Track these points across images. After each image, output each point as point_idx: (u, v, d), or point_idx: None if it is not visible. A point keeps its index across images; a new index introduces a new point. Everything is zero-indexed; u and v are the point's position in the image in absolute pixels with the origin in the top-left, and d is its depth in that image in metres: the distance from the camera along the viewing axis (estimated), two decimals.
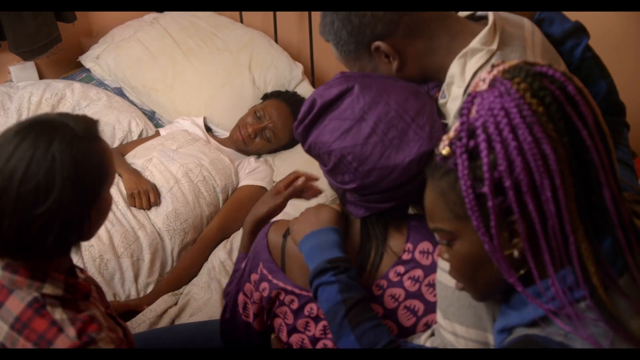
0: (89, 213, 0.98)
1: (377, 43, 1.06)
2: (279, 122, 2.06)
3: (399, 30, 1.05)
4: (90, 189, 0.96)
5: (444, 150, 0.83)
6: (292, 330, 1.15)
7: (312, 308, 1.12)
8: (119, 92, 2.41)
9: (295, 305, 1.13)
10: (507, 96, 0.77)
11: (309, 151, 1.09)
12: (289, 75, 2.32)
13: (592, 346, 0.77)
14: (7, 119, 2.01)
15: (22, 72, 2.41)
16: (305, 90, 2.30)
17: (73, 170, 0.92)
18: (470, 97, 0.81)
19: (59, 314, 0.96)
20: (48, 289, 0.98)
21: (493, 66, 0.83)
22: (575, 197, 0.77)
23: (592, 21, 1.27)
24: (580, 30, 1.22)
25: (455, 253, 0.86)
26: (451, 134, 0.83)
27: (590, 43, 1.23)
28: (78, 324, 0.96)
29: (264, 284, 1.15)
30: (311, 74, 2.41)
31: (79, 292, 1.03)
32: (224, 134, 2.25)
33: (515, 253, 0.81)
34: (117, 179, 1.85)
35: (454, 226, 0.84)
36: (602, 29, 1.37)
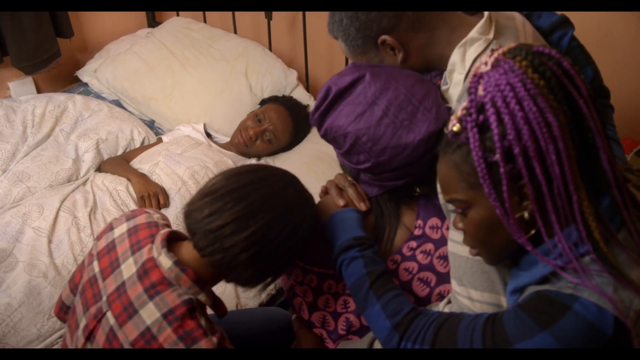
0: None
1: (383, 37, 1.14)
2: (278, 124, 2.13)
3: (402, 25, 1.14)
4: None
5: (455, 127, 0.91)
6: (313, 307, 1.22)
7: (330, 285, 1.19)
8: (117, 105, 2.45)
9: (314, 284, 1.20)
10: (511, 73, 0.85)
11: (324, 136, 1.16)
12: (284, 81, 2.39)
13: (599, 296, 0.85)
14: (13, 131, 2.06)
15: (21, 87, 2.46)
16: (300, 95, 2.38)
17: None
18: (476, 78, 0.90)
19: (203, 322, 1.03)
20: (202, 297, 1.06)
21: (493, 50, 0.92)
22: (576, 160, 0.86)
23: (577, 15, 1.36)
24: (566, 22, 1.32)
25: (470, 220, 0.94)
26: (459, 113, 0.91)
27: (576, 35, 1.34)
28: (218, 335, 1.03)
29: None
30: (305, 80, 2.50)
31: (219, 309, 1.12)
32: (224, 139, 2.31)
33: (526, 215, 0.88)
34: (126, 182, 1.91)
35: (468, 195, 0.92)
36: (586, 23, 1.47)
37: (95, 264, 1.13)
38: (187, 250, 1.08)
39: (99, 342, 1.06)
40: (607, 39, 1.74)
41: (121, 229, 1.15)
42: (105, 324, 1.05)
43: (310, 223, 1.09)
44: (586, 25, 1.41)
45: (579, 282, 0.87)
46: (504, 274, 1.03)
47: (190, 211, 1.07)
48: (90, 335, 1.08)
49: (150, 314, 1.01)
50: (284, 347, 1.40)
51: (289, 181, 1.10)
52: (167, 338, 0.99)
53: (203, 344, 1.00)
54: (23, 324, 1.54)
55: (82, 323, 1.10)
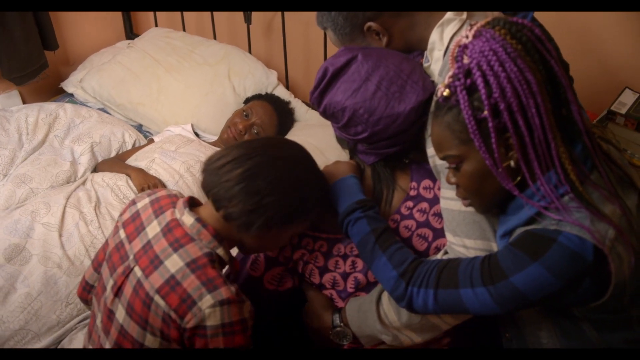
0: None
1: (369, 24, 1.26)
2: (265, 117, 2.23)
3: (385, 12, 1.27)
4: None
5: (445, 92, 1.03)
6: (324, 270, 1.33)
7: (339, 248, 1.31)
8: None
9: (324, 249, 1.31)
10: (492, 40, 0.98)
11: (323, 112, 1.27)
12: (265, 82, 2.51)
13: (579, 229, 0.98)
14: (9, 138, 2.13)
15: (8, 100, 2.52)
16: (281, 93, 2.50)
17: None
18: (461, 48, 1.02)
19: (222, 274, 1.14)
20: (220, 252, 1.17)
21: (471, 25, 1.05)
22: (552, 112, 0.99)
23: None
24: None
25: (463, 173, 1.06)
26: (446, 80, 1.04)
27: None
28: (235, 286, 1.14)
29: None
30: (285, 79, 2.61)
31: (234, 267, 1.23)
32: (212, 138, 2.40)
33: (512, 163, 1.01)
34: (125, 177, 1.99)
35: (460, 150, 1.04)
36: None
37: (121, 231, 1.24)
38: (206, 210, 1.21)
39: (127, 294, 1.16)
40: (562, 22, 1.91)
41: (144, 202, 1.26)
42: (133, 277, 1.16)
43: (307, 184, 1.18)
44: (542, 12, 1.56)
45: (561, 218, 0.98)
46: (493, 223, 1.15)
47: (206, 164, 1.20)
48: (118, 291, 1.18)
49: (174, 263, 1.12)
50: (295, 317, 1.50)
51: (298, 148, 1.23)
52: (191, 283, 1.10)
53: (223, 290, 1.10)
54: (43, 311, 1.61)
55: (110, 284, 1.20)
